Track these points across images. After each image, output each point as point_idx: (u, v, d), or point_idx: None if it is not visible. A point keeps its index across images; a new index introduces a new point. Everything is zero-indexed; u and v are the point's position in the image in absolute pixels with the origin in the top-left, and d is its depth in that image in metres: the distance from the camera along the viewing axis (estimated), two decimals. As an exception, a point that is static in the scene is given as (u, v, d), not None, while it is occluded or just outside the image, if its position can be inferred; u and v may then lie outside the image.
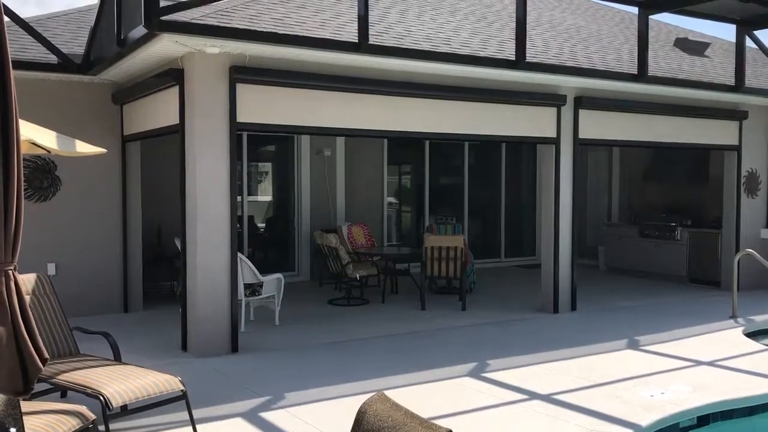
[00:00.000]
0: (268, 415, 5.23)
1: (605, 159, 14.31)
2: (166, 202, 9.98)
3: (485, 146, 13.97)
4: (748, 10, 9.58)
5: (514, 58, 8.18)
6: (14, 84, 2.01)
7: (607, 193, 14.49)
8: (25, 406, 3.66)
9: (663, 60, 10.76)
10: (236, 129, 6.97)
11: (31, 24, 8.34)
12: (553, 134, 9.13)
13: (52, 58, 8.40)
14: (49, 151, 5.30)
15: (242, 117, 6.99)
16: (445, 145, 13.50)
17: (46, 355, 2.03)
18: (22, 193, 2.03)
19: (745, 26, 10.32)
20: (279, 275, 8.37)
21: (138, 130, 8.51)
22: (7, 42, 2.01)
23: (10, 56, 2.02)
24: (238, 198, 9.61)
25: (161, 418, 5.03)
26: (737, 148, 11.20)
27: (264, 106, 7.15)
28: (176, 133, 7.16)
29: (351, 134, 8.39)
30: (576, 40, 10.38)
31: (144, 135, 8.38)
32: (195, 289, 6.96)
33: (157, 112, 7.88)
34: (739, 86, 10.31)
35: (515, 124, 8.86)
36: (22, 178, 1.98)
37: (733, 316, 8.94)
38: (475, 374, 6.34)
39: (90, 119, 8.77)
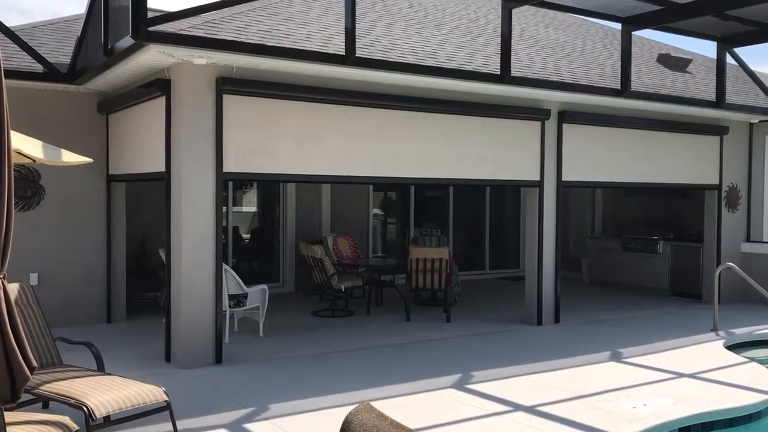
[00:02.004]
0: (253, 427, 5.22)
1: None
2: (150, 212, 9.95)
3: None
4: (728, 28, 9.76)
5: (499, 73, 8.27)
6: (6, 95, 2.03)
7: (591, 206, 14.62)
8: (8, 416, 3.64)
9: (646, 75, 10.91)
10: (222, 141, 6.98)
11: (16, 33, 8.31)
12: (537, 155, 9.23)
13: (38, 67, 8.38)
14: (34, 160, 5.29)
15: (228, 128, 7.01)
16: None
17: (35, 364, 2.04)
18: (12, 203, 2.04)
19: (726, 44, 10.51)
20: (263, 286, 8.36)
21: (123, 170, 8.59)
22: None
23: (2, 68, 2.04)
24: (223, 208, 9.60)
25: (145, 429, 5.01)
26: (717, 188, 11.37)
27: (249, 118, 7.17)
28: (162, 180, 7.16)
29: (338, 181, 8.64)
30: (560, 55, 10.50)
31: (132, 178, 8.47)
32: (179, 300, 6.94)
33: (143, 125, 7.87)
34: (719, 102, 10.47)
35: (504, 140, 8.96)
36: (13, 189, 2.00)
37: (714, 329, 9.02)
38: (459, 386, 6.37)
39: (75, 128, 8.74)
